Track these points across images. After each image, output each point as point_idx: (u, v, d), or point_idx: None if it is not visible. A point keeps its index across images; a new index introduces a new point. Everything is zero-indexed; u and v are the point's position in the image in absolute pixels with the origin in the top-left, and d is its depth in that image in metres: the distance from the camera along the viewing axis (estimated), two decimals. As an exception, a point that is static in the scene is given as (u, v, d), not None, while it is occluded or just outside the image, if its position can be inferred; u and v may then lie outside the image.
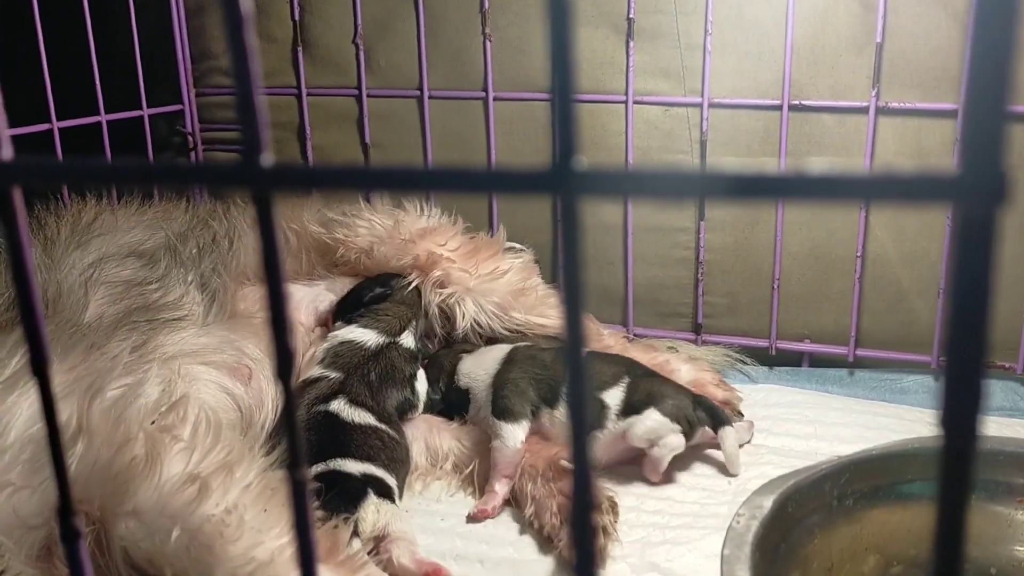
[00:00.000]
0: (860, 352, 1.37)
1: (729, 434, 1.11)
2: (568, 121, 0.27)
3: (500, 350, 1.20)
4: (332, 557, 0.83)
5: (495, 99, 1.44)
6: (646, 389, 1.11)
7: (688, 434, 1.09)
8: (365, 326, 1.17)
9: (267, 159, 0.30)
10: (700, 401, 1.13)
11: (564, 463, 1.04)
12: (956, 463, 0.27)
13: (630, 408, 1.10)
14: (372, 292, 1.21)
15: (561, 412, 1.10)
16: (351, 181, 0.31)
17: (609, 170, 0.27)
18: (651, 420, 1.08)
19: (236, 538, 0.81)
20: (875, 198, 0.24)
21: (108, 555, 0.82)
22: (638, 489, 1.13)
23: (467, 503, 1.12)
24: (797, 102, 1.30)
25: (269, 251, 0.32)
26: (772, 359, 1.42)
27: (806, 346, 1.41)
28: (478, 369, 1.19)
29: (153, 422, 0.88)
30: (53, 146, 1.35)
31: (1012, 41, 0.22)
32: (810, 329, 1.40)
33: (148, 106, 1.54)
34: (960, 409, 0.26)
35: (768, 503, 0.79)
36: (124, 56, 1.51)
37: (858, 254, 1.32)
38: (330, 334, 1.18)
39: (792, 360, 1.42)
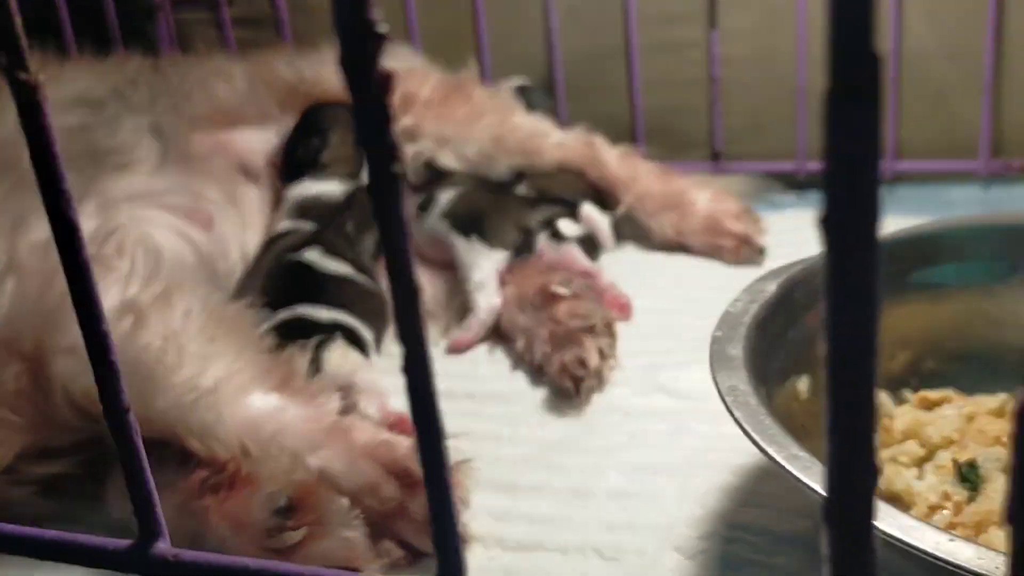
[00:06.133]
0: (900, 166, 1.22)
1: (591, 211, 1.09)
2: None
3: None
4: (286, 386, 0.75)
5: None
6: (472, 205, 1.05)
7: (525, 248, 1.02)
8: (322, 178, 1.07)
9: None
10: (544, 198, 1.09)
11: (555, 288, 0.93)
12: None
13: (455, 219, 1.04)
14: (308, 146, 1.09)
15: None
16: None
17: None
18: (477, 259, 1.00)
19: (178, 367, 0.73)
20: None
21: (47, 395, 0.75)
22: (645, 319, 1.03)
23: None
24: None
25: None
26: (801, 183, 1.28)
27: (837, 164, 1.26)
28: None
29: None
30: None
31: None
32: (841, 145, 1.25)
33: (107, -36, 1.43)
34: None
35: (772, 287, 0.68)
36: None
37: (892, 48, 1.16)
38: (289, 194, 1.07)
39: (823, 182, 1.28)
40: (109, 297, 0.76)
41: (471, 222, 1.02)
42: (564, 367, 0.85)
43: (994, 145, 1.16)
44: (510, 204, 1.03)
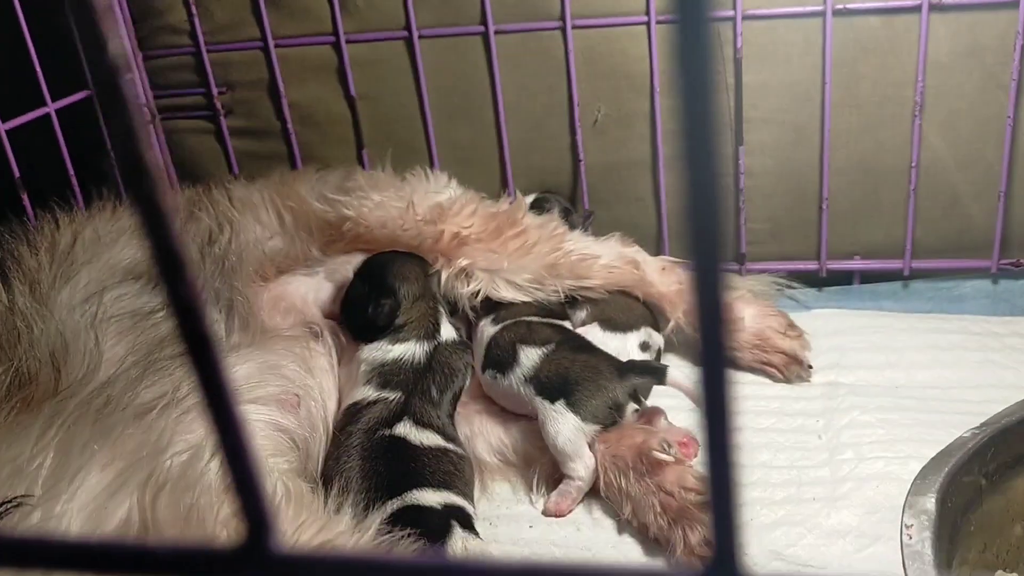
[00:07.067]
0: (915, 264, 1.30)
1: (676, 375, 1.03)
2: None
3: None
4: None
5: (496, 32, 1.28)
6: (561, 369, 1.03)
7: (614, 422, 1.01)
8: (399, 340, 1.05)
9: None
10: (632, 367, 1.04)
11: (657, 454, 0.96)
12: None
13: (539, 384, 1.03)
14: (381, 310, 1.06)
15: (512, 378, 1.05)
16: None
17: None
18: (567, 429, 0.99)
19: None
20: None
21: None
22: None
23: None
24: (841, 6, 1.17)
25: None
26: (821, 281, 1.35)
27: (857, 264, 1.33)
28: None
29: (225, 503, 0.77)
30: (3, 150, 1.16)
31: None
32: (860, 245, 1.32)
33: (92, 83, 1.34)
34: None
35: (931, 504, 0.73)
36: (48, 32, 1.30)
37: (913, 164, 1.23)
38: (363, 356, 1.05)
39: (842, 280, 1.35)
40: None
41: (559, 388, 1.02)
42: (691, 550, 0.88)
43: (1003, 244, 1.25)
44: (600, 375, 1.03)
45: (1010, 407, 0.83)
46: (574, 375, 1.02)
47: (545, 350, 1.06)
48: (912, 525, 0.71)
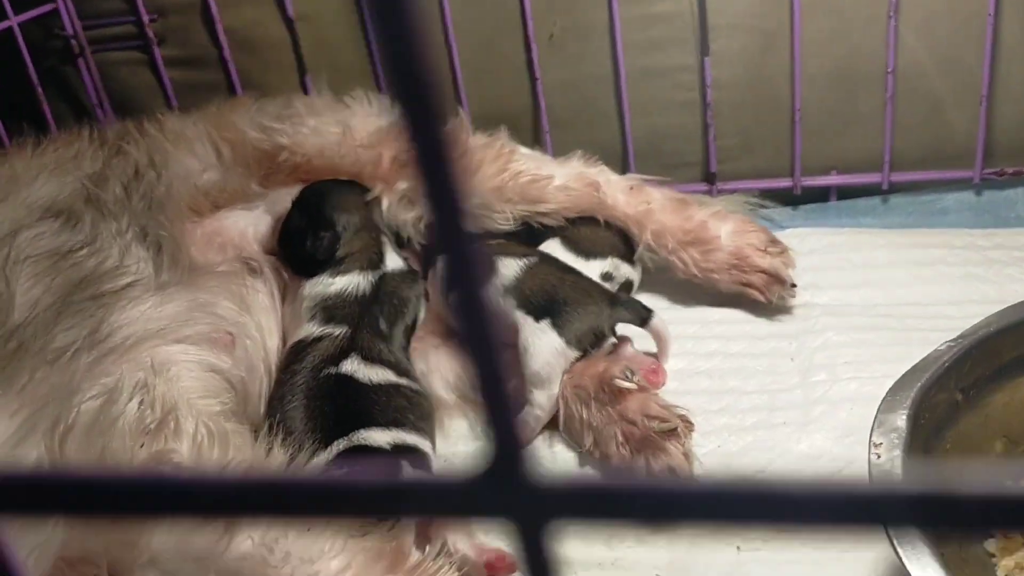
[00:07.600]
0: (894, 177, 1.23)
1: (658, 325, 0.98)
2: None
3: None
4: (399, 567, 0.70)
5: (442, -58, 1.19)
6: (548, 286, 0.96)
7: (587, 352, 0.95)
8: (341, 272, 0.99)
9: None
10: (620, 301, 0.99)
11: (619, 382, 0.90)
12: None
13: (523, 298, 0.96)
14: (320, 243, 1.00)
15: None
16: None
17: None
18: (547, 350, 0.93)
19: (287, 574, 0.67)
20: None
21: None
22: (694, 383, 1.01)
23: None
24: None
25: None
26: (797, 199, 1.28)
27: (834, 179, 1.26)
28: None
29: (142, 445, 0.71)
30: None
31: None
32: (837, 159, 1.25)
33: (13, 12, 1.25)
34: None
35: (901, 422, 0.67)
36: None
37: (889, 69, 1.16)
38: (305, 292, 0.99)
39: (819, 197, 1.28)
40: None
41: (546, 307, 0.95)
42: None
43: (986, 153, 1.19)
44: (591, 299, 0.96)
45: (988, 318, 0.77)
46: (563, 294, 0.95)
47: (526, 261, 0.99)
48: (881, 444, 0.65)
